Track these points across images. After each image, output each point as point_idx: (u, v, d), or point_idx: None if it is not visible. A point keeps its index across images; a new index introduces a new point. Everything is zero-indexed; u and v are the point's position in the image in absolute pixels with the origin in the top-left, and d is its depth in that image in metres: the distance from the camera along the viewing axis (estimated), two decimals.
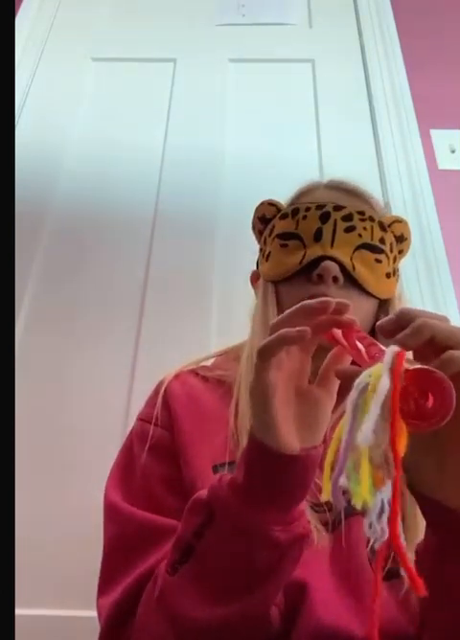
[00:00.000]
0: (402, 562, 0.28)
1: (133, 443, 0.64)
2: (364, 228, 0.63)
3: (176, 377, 0.68)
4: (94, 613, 0.54)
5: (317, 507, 0.52)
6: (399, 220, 0.68)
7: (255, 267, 0.74)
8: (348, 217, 0.63)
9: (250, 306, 0.71)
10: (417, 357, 0.36)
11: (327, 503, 0.51)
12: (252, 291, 0.74)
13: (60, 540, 0.94)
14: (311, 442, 0.42)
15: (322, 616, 0.48)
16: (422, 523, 0.43)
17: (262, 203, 0.72)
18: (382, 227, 0.65)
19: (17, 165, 1.23)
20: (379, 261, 0.63)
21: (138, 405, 0.70)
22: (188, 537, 0.44)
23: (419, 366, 0.31)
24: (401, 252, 0.69)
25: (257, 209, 0.72)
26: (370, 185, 0.70)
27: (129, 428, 0.68)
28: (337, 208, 0.63)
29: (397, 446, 0.28)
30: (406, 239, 0.69)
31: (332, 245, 0.62)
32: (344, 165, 1.28)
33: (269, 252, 0.67)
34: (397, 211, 1.21)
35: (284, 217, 0.67)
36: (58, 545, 0.94)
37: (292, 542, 0.43)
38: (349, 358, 0.42)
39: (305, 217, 0.64)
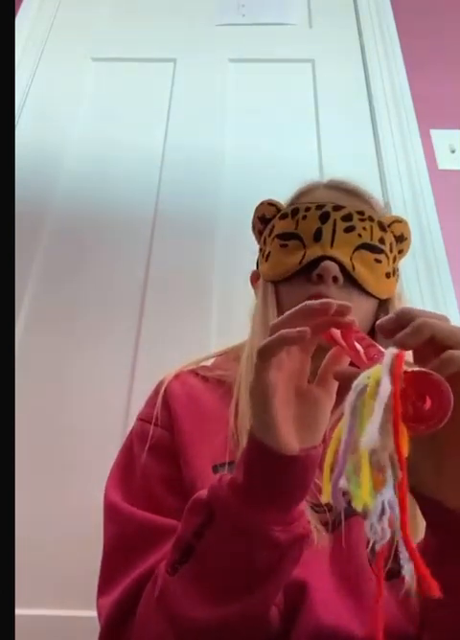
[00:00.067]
0: (415, 565, 0.28)
1: (133, 443, 0.64)
2: (364, 228, 0.63)
3: (176, 377, 0.68)
4: (94, 613, 0.54)
5: (317, 507, 0.52)
6: (398, 220, 0.68)
7: (255, 267, 0.74)
8: (348, 217, 0.63)
9: (250, 306, 0.71)
10: (417, 357, 0.36)
11: (327, 504, 0.52)
12: (252, 291, 0.74)
13: (60, 540, 0.94)
14: (311, 442, 0.42)
15: (322, 616, 0.48)
16: (421, 524, 0.43)
17: (261, 203, 0.72)
18: (382, 227, 0.65)
19: (17, 165, 1.23)
20: (378, 261, 0.63)
21: (138, 405, 0.70)
22: (188, 537, 0.44)
23: (417, 369, 0.31)
24: (400, 252, 0.69)
25: (257, 209, 0.72)
26: (370, 185, 0.70)
27: (129, 428, 0.68)
28: (337, 208, 0.63)
29: (401, 449, 0.28)
30: (406, 238, 0.69)
31: (331, 245, 0.62)
32: (344, 165, 1.28)
33: (269, 252, 0.67)
34: (397, 211, 1.21)
35: (283, 217, 0.67)
36: (58, 545, 0.94)
37: (292, 542, 0.43)
38: (347, 359, 0.42)
39: (304, 218, 0.64)
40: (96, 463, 0.78)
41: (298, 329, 0.39)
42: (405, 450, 0.29)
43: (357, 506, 0.29)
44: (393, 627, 0.46)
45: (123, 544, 0.55)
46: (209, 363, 0.74)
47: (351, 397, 0.31)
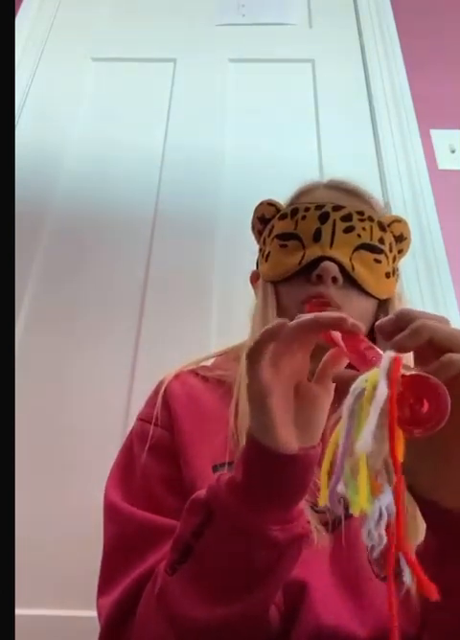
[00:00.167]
0: (412, 570, 0.28)
1: (133, 443, 0.64)
2: (363, 228, 0.63)
3: (176, 377, 0.68)
4: (94, 613, 0.54)
5: (317, 507, 0.52)
6: (398, 220, 0.68)
7: (255, 267, 0.74)
8: (347, 218, 0.63)
9: (250, 306, 0.71)
10: (417, 358, 0.36)
11: None
12: (252, 291, 0.74)
13: (60, 540, 0.94)
14: (310, 441, 0.42)
15: (322, 616, 0.48)
16: (422, 525, 0.43)
17: (261, 203, 0.72)
18: (382, 227, 0.65)
19: (17, 165, 1.23)
20: (378, 261, 0.63)
21: (138, 405, 0.70)
22: (187, 537, 0.44)
23: (414, 372, 0.31)
24: (400, 252, 0.69)
25: (256, 209, 0.72)
26: (370, 185, 0.70)
27: (129, 428, 0.68)
28: (337, 208, 0.63)
29: (397, 454, 0.28)
30: (406, 238, 0.69)
31: (331, 246, 0.62)
32: (344, 165, 1.28)
33: (269, 252, 0.67)
34: (397, 211, 1.21)
35: (283, 217, 0.67)
36: (58, 545, 0.94)
37: (291, 542, 0.43)
38: (346, 359, 0.42)
39: (304, 218, 0.64)
40: (96, 463, 0.78)
41: (276, 322, 0.40)
42: (401, 455, 0.29)
43: (355, 512, 0.29)
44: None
45: (123, 544, 0.55)
46: (209, 363, 0.74)
47: (349, 400, 0.31)
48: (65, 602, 0.89)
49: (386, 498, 0.29)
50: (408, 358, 0.37)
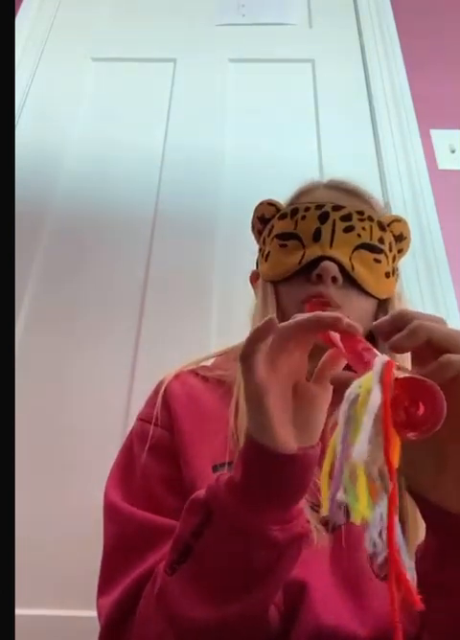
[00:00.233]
0: (399, 579, 0.28)
1: (133, 443, 0.64)
2: (363, 228, 0.63)
3: (176, 377, 0.68)
4: (94, 613, 0.54)
5: (317, 507, 0.52)
6: (398, 220, 0.68)
7: (255, 267, 0.74)
8: (347, 217, 0.63)
9: (250, 306, 0.71)
10: (414, 359, 0.36)
11: None
12: (252, 291, 0.74)
13: (60, 540, 0.94)
14: (309, 441, 0.42)
15: (322, 616, 0.48)
16: (422, 525, 0.43)
17: (261, 203, 0.72)
18: (381, 227, 0.65)
19: (17, 165, 1.23)
20: (378, 260, 0.63)
21: (138, 405, 0.70)
22: (186, 538, 0.44)
23: (410, 375, 0.31)
24: (400, 251, 0.69)
25: (256, 209, 0.72)
26: (370, 185, 0.70)
27: (129, 428, 0.68)
28: (336, 208, 0.63)
29: (391, 460, 0.28)
30: (406, 238, 0.69)
31: (331, 245, 0.62)
32: (344, 165, 1.28)
33: (268, 252, 0.67)
34: (397, 211, 1.21)
35: (283, 216, 0.67)
36: (58, 545, 0.94)
37: (290, 542, 0.42)
38: (345, 360, 0.42)
39: (304, 218, 0.64)
40: (96, 463, 0.78)
41: (264, 319, 0.40)
42: (396, 461, 0.28)
43: (356, 520, 0.29)
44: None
45: (123, 544, 0.55)
46: (209, 363, 0.74)
47: (344, 406, 0.31)
48: (65, 602, 0.89)
49: (385, 504, 0.29)
50: (406, 359, 0.37)
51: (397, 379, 0.30)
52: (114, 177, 1.38)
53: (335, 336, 0.40)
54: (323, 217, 0.63)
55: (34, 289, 1.22)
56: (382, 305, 0.65)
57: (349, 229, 0.62)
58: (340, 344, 0.40)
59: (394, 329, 0.35)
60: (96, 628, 0.52)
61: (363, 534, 0.30)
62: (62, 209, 1.34)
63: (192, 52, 1.60)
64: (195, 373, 0.70)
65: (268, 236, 0.68)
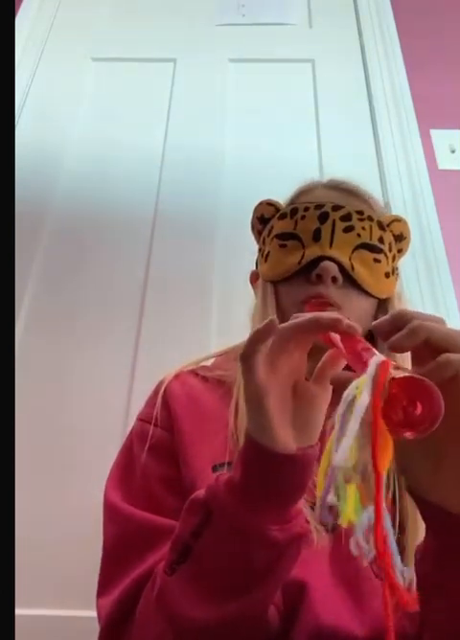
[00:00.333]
0: (389, 583, 0.28)
1: (133, 443, 0.64)
2: (363, 228, 0.63)
3: (176, 377, 0.68)
4: (94, 613, 0.54)
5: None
6: (398, 219, 0.68)
7: (254, 267, 0.74)
8: (347, 217, 0.63)
9: (250, 306, 0.71)
10: (413, 359, 0.36)
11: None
12: (252, 291, 0.74)
13: (60, 540, 0.94)
14: (308, 441, 0.42)
15: (321, 616, 0.48)
16: (422, 526, 0.43)
17: (260, 203, 0.72)
18: (381, 226, 0.65)
19: (17, 165, 1.23)
20: (377, 260, 0.63)
21: (138, 405, 0.70)
22: (185, 538, 0.44)
23: (407, 374, 0.31)
24: (400, 251, 0.69)
25: (256, 209, 0.72)
26: (370, 185, 0.70)
27: (129, 428, 0.68)
28: (336, 208, 0.63)
29: (378, 464, 0.28)
30: (405, 237, 0.69)
31: (330, 245, 0.62)
32: (344, 165, 1.28)
33: (268, 252, 0.67)
34: (397, 211, 1.21)
35: (282, 216, 0.67)
36: (58, 545, 0.94)
37: (290, 541, 0.42)
38: (344, 360, 0.42)
39: (303, 217, 0.64)
40: (96, 463, 0.78)
41: (265, 321, 0.40)
42: (386, 464, 0.28)
43: (343, 523, 0.29)
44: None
45: (122, 544, 0.55)
46: (209, 363, 0.74)
47: (341, 408, 0.31)
48: (65, 602, 0.89)
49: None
50: (406, 359, 0.37)
51: (394, 379, 0.30)
52: (114, 177, 1.38)
53: (335, 336, 0.40)
54: (323, 217, 0.63)
55: (34, 289, 1.22)
56: (382, 305, 0.65)
57: (349, 229, 0.62)
58: (340, 344, 0.40)
59: (393, 328, 0.35)
60: (96, 629, 0.52)
61: (350, 536, 0.31)
62: (62, 209, 1.34)
63: (192, 52, 1.60)
64: (194, 373, 0.70)
65: (268, 236, 0.68)
